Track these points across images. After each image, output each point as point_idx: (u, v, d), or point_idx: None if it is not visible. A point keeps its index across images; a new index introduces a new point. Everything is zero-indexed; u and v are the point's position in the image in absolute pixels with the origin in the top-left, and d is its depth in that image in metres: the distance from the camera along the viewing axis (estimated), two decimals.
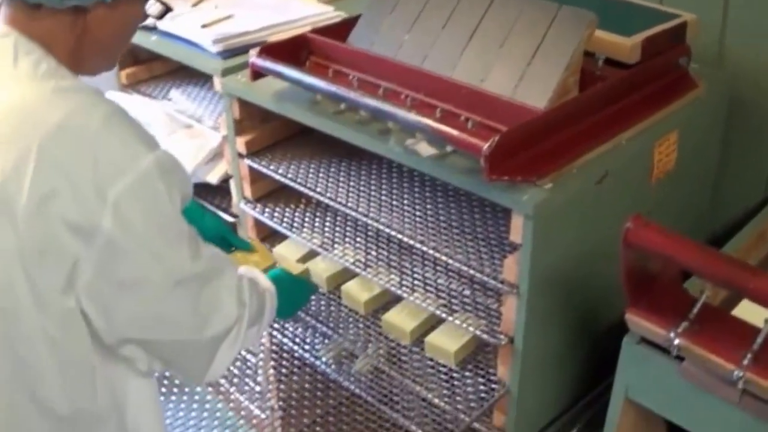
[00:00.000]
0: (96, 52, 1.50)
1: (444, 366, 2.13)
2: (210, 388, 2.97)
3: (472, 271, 1.95)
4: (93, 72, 1.55)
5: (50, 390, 1.43)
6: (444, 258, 2.00)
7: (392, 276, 2.16)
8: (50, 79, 1.36)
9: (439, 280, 2.14)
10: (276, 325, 2.42)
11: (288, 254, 2.39)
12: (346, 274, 2.30)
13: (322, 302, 2.37)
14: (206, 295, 1.50)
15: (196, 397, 2.84)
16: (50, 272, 1.33)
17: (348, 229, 2.36)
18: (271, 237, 2.53)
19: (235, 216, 2.66)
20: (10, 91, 1.35)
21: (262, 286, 1.76)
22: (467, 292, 2.09)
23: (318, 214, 2.44)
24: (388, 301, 2.26)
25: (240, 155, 2.40)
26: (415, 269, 2.18)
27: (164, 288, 1.43)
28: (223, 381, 2.77)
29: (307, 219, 2.41)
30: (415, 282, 2.14)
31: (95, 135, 1.32)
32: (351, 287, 2.27)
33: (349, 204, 2.19)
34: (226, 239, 2.09)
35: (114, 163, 1.32)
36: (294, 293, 1.98)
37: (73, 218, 1.30)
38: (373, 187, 2.27)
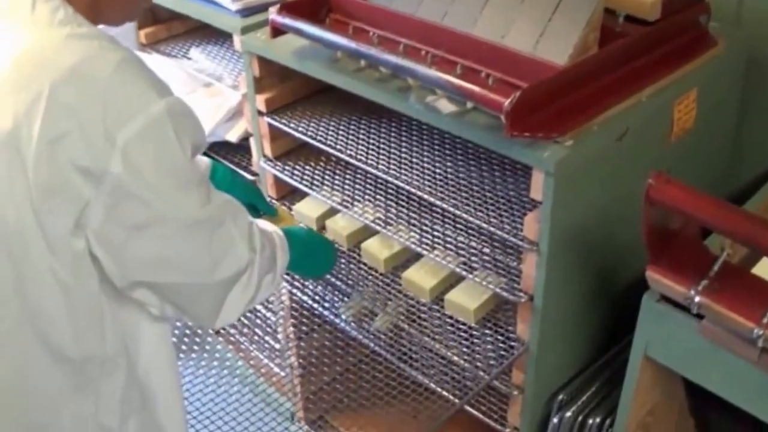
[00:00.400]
0: (115, 2, 1.50)
1: (463, 324, 2.14)
2: (230, 346, 2.99)
3: (492, 229, 1.95)
4: (112, 22, 1.55)
5: (60, 334, 1.45)
6: (464, 215, 2.00)
7: (412, 234, 2.16)
8: (66, 26, 1.36)
9: (459, 238, 2.14)
10: (296, 283, 2.43)
11: (308, 212, 2.39)
12: (366, 232, 2.30)
13: (342, 260, 2.37)
14: (217, 238, 1.51)
15: (216, 355, 2.86)
16: (60, 215, 1.34)
17: (368, 186, 2.36)
18: (291, 195, 2.53)
19: (255, 174, 2.66)
20: (26, 37, 1.35)
21: (271, 232, 1.78)
22: (487, 250, 2.09)
23: (338, 171, 2.44)
24: (407, 258, 2.27)
25: (260, 113, 2.40)
26: (434, 227, 2.18)
27: (175, 231, 1.44)
28: (242, 339, 2.78)
29: (327, 177, 2.42)
30: (435, 240, 2.14)
31: (107, 80, 1.32)
32: (371, 245, 2.28)
33: (369, 161, 2.19)
34: (256, 207, 2.11)
35: (124, 107, 1.32)
36: (312, 246, 2.00)
37: (82, 162, 1.30)
38: (393, 145, 2.27)
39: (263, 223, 1.81)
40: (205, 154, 2.96)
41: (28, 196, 1.33)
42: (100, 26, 1.48)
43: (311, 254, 2.01)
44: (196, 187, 1.46)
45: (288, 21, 2.11)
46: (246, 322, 2.71)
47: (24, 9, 1.37)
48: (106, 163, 1.31)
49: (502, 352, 2.05)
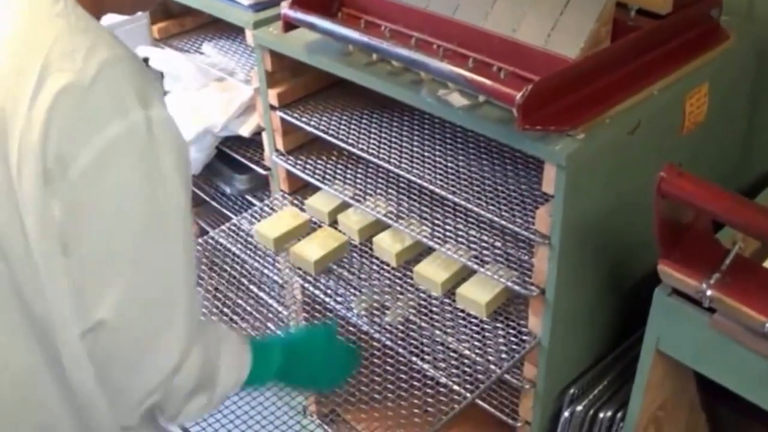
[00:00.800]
0: None
1: (475, 318, 2.14)
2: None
3: (503, 223, 1.95)
4: (121, 11, 1.52)
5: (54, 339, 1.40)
6: (475, 209, 2.01)
7: (424, 228, 2.17)
8: (62, 18, 1.32)
9: (471, 232, 2.14)
10: (308, 278, 2.43)
11: (320, 206, 2.41)
12: (378, 226, 2.31)
13: (354, 254, 2.37)
14: (156, 310, 1.39)
15: None
16: (37, 222, 1.30)
17: (380, 180, 2.36)
18: (303, 189, 2.54)
19: (267, 168, 2.67)
20: (19, 28, 1.33)
21: (229, 343, 1.61)
22: (498, 244, 2.09)
23: (350, 165, 2.44)
24: (419, 252, 2.27)
25: (272, 107, 2.41)
26: (446, 221, 2.19)
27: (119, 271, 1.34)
28: (255, 333, 2.78)
29: (339, 171, 2.42)
30: (447, 233, 2.14)
31: (90, 80, 1.27)
32: (382, 239, 2.28)
33: (381, 155, 2.19)
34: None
35: (100, 111, 1.27)
36: (315, 360, 1.86)
37: (50, 164, 1.26)
38: (405, 139, 2.27)
39: (225, 336, 1.63)
40: (217, 148, 2.99)
41: (13, 201, 1.30)
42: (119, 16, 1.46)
43: (311, 369, 1.86)
44: (178, 235, 1.37)
45: (300, 15, 2.11)
46: (258, 316, 2.71)
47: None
48: (68, 168, 1.26)
49: (514, 346, 2.05)
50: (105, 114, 1.27)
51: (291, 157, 2.47)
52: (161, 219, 1.35)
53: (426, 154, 2.21)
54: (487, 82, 1.75)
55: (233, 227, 2.53)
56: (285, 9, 2.14)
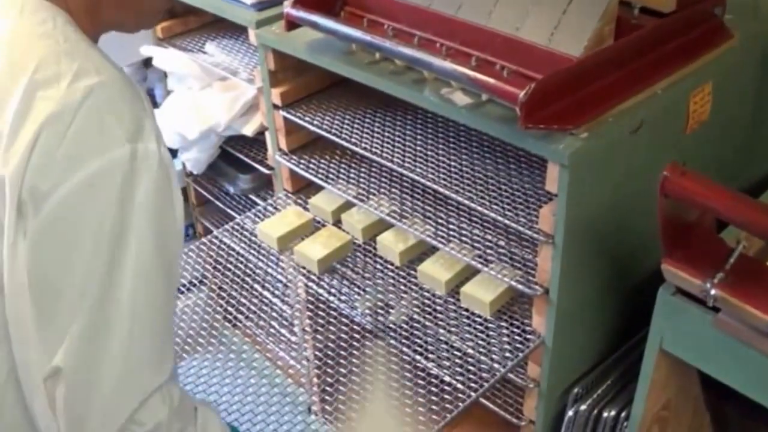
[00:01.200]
0: (115, 5, 1.39)
1: (479, 317, 2.14)
2: (247, 339, 3.00)
3: (507, 222, 1.94)
4: (121, 29, 1.46)
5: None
6: (479, 209, 2.00)
7: (427, 227, 2.17)
8: (48, 39, 1.27)
9: (475, 231, 2.14)
10: (312, 276, 2.43)
11: (323, 205, 2.40)
12: (382, 225, 2.31)
13: (358, 253, 2.37)
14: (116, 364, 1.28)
15: (233, 348, 2.86)
16: (10, 259, 1.24)
17: (383, 179, 2.36)
18: (307, 188, 2.54)
19: (270, 168, 2.67)
20: (2, 49, 1.29)
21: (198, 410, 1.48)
22: (502, 243, 2.09)
23: (353, 165, 2.44)
24: (423, 251, 2.27)
25: (275, 107, 2.40)
26: (450, 220, 2.18)
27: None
28: (259, 332, 2.79)
29: (342, 170, 2.42)
30: (451, 233, 2.14)
31: (72, 110, 1.21)
32: (386, 238, 2.28)
33: (384, 155, 2.19)
34: None
35: (81, 145, 1.21)
36: None
37: (25, 194, 1.20)
38: (408, 138, 2.27)
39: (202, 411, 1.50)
40: (220, 148, 2.99)
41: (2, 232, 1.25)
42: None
43: None
44: (126, 280, 1.26)
45: (303, 14, 2.11)
46: (262, 314, 2.72)
47: (14, 12, 1.31)
48: (42, 202, 1.20)
49: (518, 345, 2.05)
50: (86, 148, 1.21)
51: (294, 157, 2.47)
52: (120, 268, 1.26)
53: (429, 153, 2.20)
54: (490, 80, 1.75)
55: (237, 226, 2.53)
56: (288, 8, 2.14)
